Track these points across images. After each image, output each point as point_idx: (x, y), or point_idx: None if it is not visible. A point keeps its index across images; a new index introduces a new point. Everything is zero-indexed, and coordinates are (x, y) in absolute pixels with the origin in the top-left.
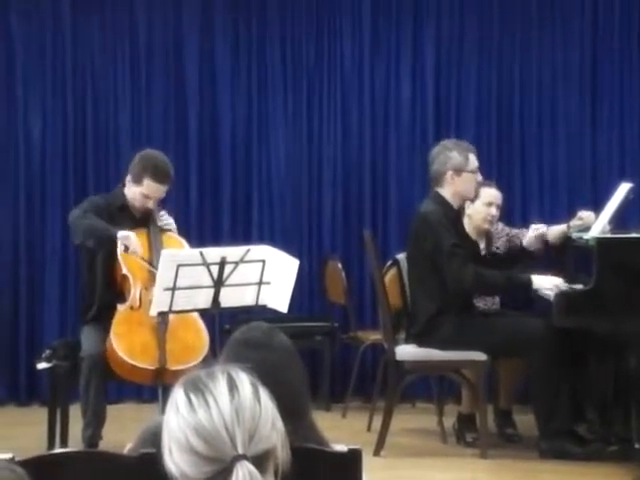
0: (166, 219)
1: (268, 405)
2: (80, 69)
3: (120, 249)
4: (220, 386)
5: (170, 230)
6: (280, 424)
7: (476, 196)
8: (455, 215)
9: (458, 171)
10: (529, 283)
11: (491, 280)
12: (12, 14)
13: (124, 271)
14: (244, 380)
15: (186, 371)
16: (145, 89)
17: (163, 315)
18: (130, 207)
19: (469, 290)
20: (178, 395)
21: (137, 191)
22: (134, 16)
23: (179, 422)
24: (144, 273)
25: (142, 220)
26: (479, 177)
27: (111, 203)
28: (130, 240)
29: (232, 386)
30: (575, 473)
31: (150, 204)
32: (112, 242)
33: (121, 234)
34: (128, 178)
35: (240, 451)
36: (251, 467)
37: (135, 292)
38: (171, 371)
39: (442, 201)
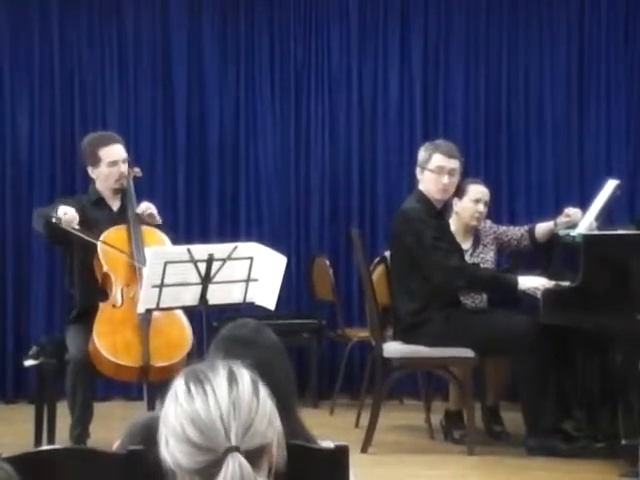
0: (146, 205)
1: (267, 402)
2: (68, 66)
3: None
4: (220, 378)
5: (151, 214)
6: (278, 423)
7: (463, 193)
8: (436, 213)
9: (422, 168)
10: (515, 284)
11: (475, 273)
12: None
13: (105, 269)
14: (244, 375)
15: (170, 367)
16: (133, 88)
17: (146, 312)
18: (107, 198)
19: (453, 280)
20: (178, 385)
21: (103, 168)
22: (122, 15)
23: (176, 411)
24: (125, 270)
25: (120, 213)
26: (444, 179)
27: (83, 200)
28: (63, 211)
29: (232, 379)
30: (562, 470)
31: (122, 167)
32: (54, 220)
33: (61, 208)
34: (90, 169)
35: (233, 443)
36: (242, 460)
37: (116, 290)
38: (156, 368)
39: (422, 198)
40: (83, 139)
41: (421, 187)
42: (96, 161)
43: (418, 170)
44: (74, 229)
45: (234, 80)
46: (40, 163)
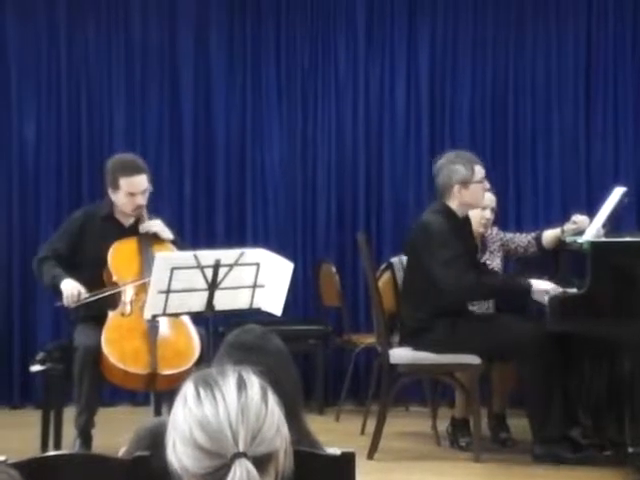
0: (151, 223)
1: (275, 410)
2: (75, 71)
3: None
4: (229, 383)
5: (156, 233)
6: (286, 431)
7: None
8: (461, 223)
9: (465, 184)
10: (528, 288)
11: (489, 289)
12: (7, 16)
13: (114, 278)
14: (254, 382)
15: (177, 376)
16: (140, 91)
17: (154, 320)
18: (119, 215)
19: (466, 299)
20: (188, 388)
21: (121, 196)
22: (129, 19)
23: (185, 414)
24: (134, 279)
25: (131, 230)
26: (486, 185)
27: (94, 214)
28: (65, 295)
29: (241, 385)
30: (569, 478)
31: (140, 200)
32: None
33: (63, 286)
34: (109, 190)
35: (241, 449)
36: (250, 466)
37: (125, 299)
38: (162, 376)
39: (447, 212)
40: (110, 158)
41: (456, 202)
42: (115, 187)
43: (457, 188)
44: (86, 299)
45: (241, 86)
46: (47, 169)
